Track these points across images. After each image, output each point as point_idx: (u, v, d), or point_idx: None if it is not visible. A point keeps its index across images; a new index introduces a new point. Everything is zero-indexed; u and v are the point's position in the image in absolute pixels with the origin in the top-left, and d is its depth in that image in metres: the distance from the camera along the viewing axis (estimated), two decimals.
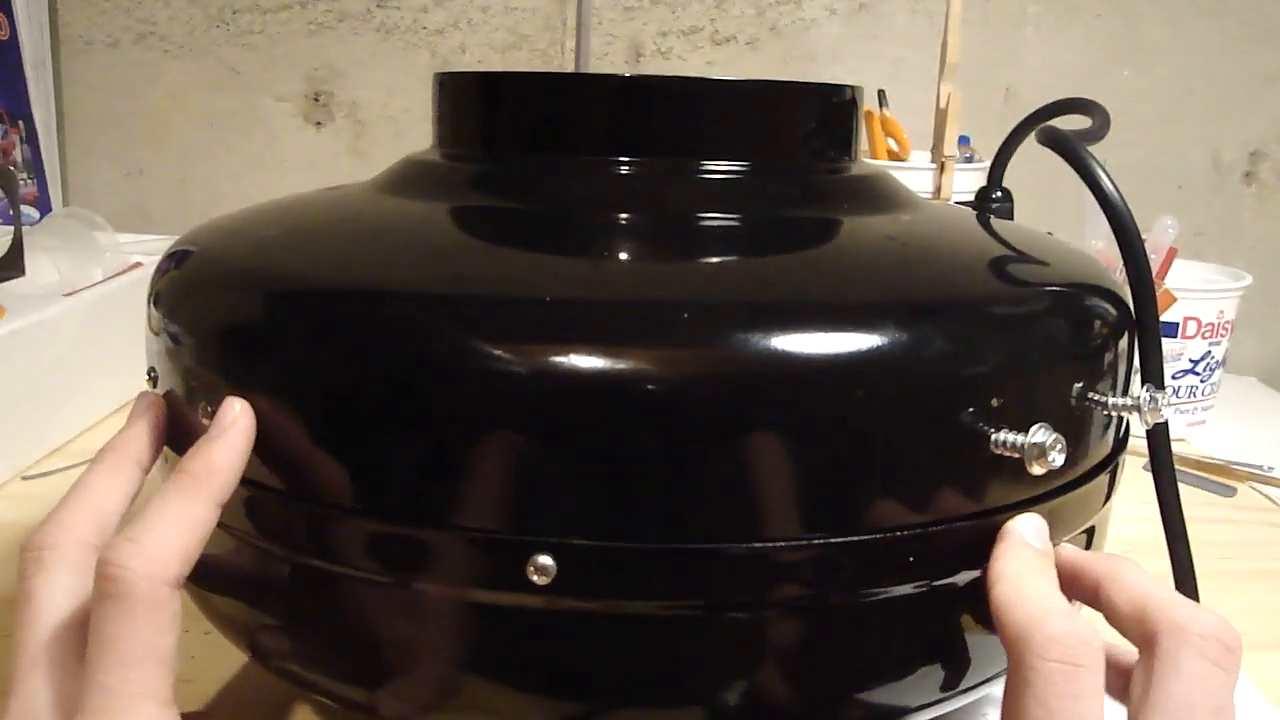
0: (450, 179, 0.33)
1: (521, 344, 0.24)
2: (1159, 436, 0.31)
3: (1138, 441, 0.32)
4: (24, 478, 0.56)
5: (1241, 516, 0.58)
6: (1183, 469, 0.62)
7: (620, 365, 0.23)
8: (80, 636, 0.25)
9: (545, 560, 0.24)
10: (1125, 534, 0.44)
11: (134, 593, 0.23)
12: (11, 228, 0.62)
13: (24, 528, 0.50)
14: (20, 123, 0.87)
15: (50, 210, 0.88)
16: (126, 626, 0.23)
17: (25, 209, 0.82)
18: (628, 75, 0.32)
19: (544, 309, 0.25)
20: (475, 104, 0.34)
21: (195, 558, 0.25)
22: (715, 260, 0.29)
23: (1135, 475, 0.35)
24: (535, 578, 0.24)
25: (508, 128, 0.33)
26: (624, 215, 0.30)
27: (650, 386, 0.23)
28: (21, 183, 0.86)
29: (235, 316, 0.28)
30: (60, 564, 0.26)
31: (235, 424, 0.26)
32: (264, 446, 0.27)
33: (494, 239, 0.30)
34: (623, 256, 0.29)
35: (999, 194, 0.42)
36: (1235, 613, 0.45)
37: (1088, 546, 0.32)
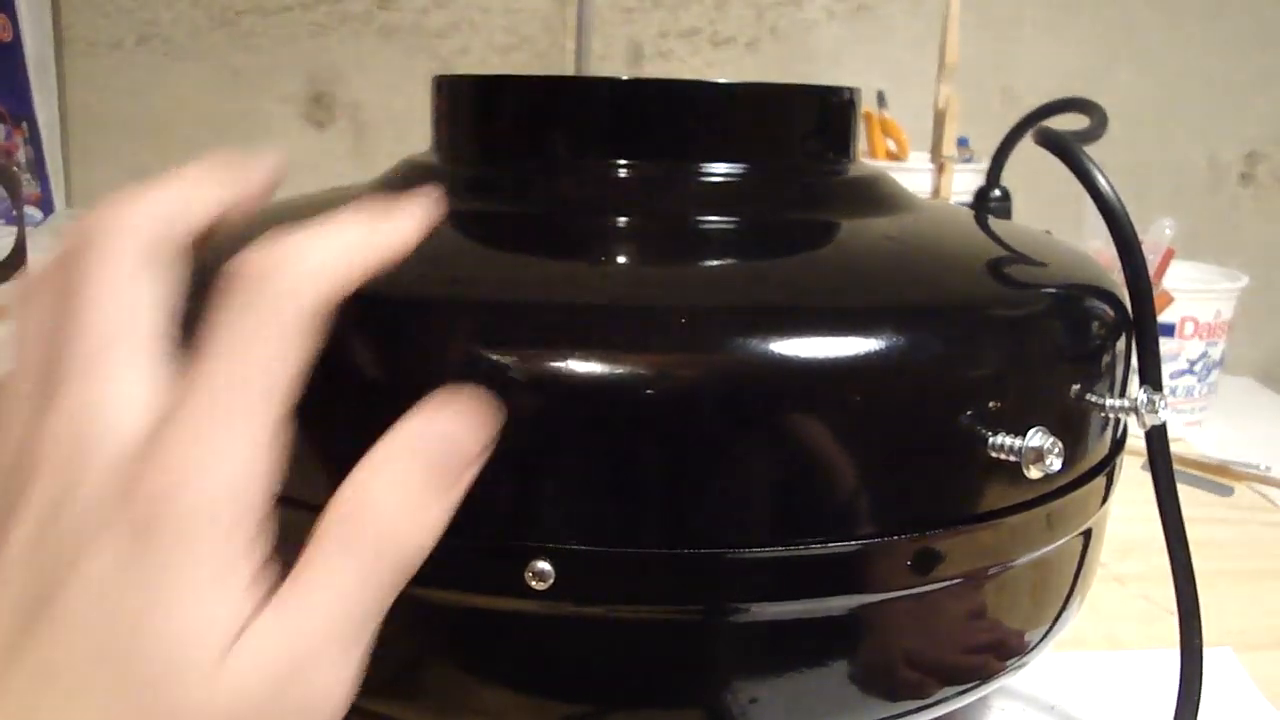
0: (448, 182, 0.33)
1: (519, 348, 0.24)
2: (1157, 437, 0.31)
3: (1136, 441, 0.32)
4: None
5: (1239, 516, 0.58)
6: (1181, 469, 0.62)
7: (618, 370, 0.23)
8: (153, 335, 0.21)
9: (543, 566, 0.24)
10: (1124, 534, 0.44)
11: (295, 312, 0.20)
12: (15, 228, 0.62)
13: None
14: (23, 124, 0.87)
15: (53, 211, 0.88)
16: (267, 348, 0.20)
17: (28, 210, 0.83)
18: (625, 78, 0.32)
19: (542, 313, 0.25)
20: (473, 107, 0.34)
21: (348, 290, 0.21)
22: (714, 263, 0.29)
23: (1133, 475, 0.35)
24: (534, 583, 0.24)
25: (505, 131, 0.33)
26: (622, 218, 0.30)
27: (648, 391, 0.23)
28: (24, 183, 0.86)
29: None
30: (124, 253, 0.21)
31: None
32: None
33: (492, 243, 0.30)
34: (621, 260, 0.29)
35: (997, 193, 0.42)
36: (1233, 612, 0.46)
37: (1085, 548, 0.32)
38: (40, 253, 0.63)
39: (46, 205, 0.89)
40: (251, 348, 0.20)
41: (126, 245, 0.21)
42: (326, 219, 0.22)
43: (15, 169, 0.83)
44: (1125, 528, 0.43)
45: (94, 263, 0.21)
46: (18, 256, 0.61)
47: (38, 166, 0.88)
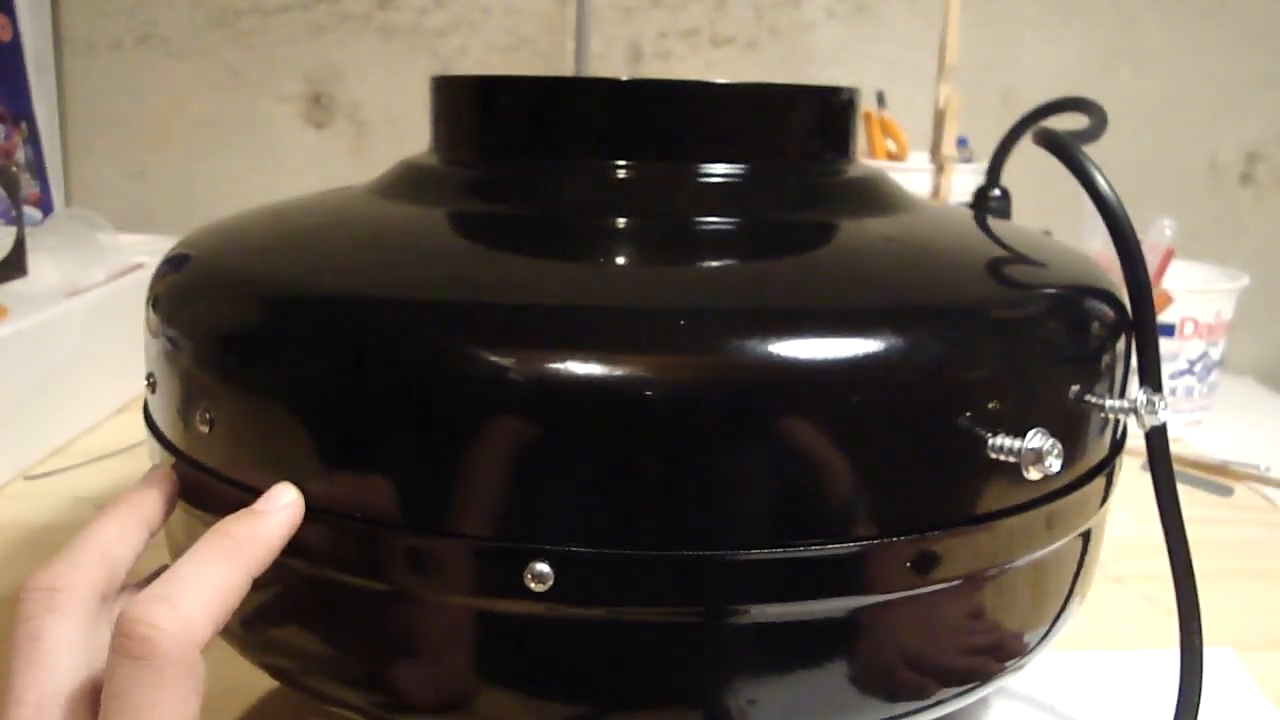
0: (447, 183, 0.33)
1: (518, 350, 0.24)
2: (1157, 437, 0.31)
3: (1136, 441, 0.32)
4: (26, 477, 0.56)
5: (1239, 516, 0.58)
6: (1180, 469, 0.62)
7: (617, 371, 0.23)
8: (91, 691, 0.24)
9: (543, 568, 0.24)
10: (1124, 534, 0.44)
11: (166, 656, 0.22)
12: (14, 228, 0.62)
13: (26, 527, 0.50)
14: (23, 124, 0.87)
15: (53, 211, 0.88)
16: (157, 693, 0.22)
17: (28, 210, 0.82)
18: (624, 79, 0.32)
19: (541, 314, 0.25)
20: (472, 108, 0.34)
21: (223, 624, 0.24)
22: (713, 264, 0.29)
23: (1134, 475, 0.35)
24: (533, 585, 0.24)
25: (505, 131, 0.33)
26: (621, 219, 0.30)
27: (647, 393, 0.23)
28: (24, 183, 0.86)
29: (233, 321, 0.28)
30: (72, 608, 0.25)
31: (291, 505, 0.26)
32: (258, 452, 0.27)
33: (491, 244, 0.30)
34: (620, 261, 0.29)
35: (997, 193, 0.42)
36: (1232, 612, 0.46)
37: (1084, 548, 0.32)
38: (39, 252, 0.63)
39: (46, 205, 0.89)
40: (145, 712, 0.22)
41: (65, 609, 0.25)
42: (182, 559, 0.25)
43: (14, 169, 0.83)
44: (1125, 528, 0.43)
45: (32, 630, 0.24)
46: (17, 256, 0.61)
47: (37, 166, 0.88)
